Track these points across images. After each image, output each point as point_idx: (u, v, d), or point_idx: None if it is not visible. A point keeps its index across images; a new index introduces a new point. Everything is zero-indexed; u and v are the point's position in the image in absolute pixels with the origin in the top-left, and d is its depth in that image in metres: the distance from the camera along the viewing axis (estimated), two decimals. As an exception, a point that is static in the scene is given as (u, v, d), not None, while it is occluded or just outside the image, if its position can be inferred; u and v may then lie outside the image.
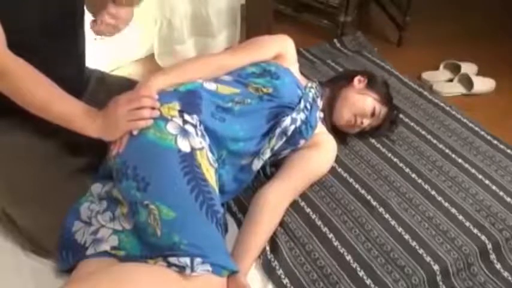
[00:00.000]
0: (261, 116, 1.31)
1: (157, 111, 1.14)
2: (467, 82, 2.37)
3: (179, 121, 1.15)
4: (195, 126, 1.17)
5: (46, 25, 1.16)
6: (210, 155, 1.18)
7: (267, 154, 1.32)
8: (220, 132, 1.22)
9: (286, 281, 1.18)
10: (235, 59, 1.39)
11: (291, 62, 1.49)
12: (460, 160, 1.53)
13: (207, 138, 1.20)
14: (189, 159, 1.11)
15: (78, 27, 1.30)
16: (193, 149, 1.13)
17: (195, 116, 1.19)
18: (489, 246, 1.30)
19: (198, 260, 1.02)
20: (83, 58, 1.37)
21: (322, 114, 1.51)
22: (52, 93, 1.11)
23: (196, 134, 1.16)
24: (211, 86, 1.28)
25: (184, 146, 1.12)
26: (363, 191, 1.40)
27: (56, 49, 1.20)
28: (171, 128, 1.13)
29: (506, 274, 1.29)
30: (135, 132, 1.12)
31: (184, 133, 1.14)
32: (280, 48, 1.47)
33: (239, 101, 1.28)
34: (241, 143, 1.26)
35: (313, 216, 1.32)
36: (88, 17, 1.33)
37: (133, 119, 1.11)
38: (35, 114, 1.11)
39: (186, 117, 1.17)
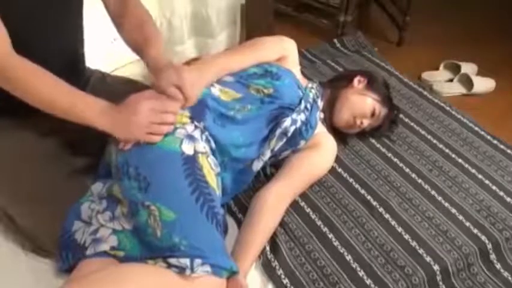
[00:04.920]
0: (261, 120, 1.31)
1: (173, 126, 1.12)
2: (467, 82, 2.37)
3: (190, 128, 1.15)
4: (202, 131, 1.18)
5: (46, 24, 1.15)
6: (212, 158, 1.18)
7: (267, 155, 1.32)
8: (221, 138, 1.22)
9: (286, 281, 1.18)
10: (241, 61, 1.39)
11: (293, 64, 1.50)
12: (460, 160, 1.53)
13: (212, 143, 1.20)
14: (191, 161, 1.11)
15: (76, 26, 1.30)
16: (196, 152, 1.13)
17: (202, 123, 1.19)
18: (489, 246, 1.30)
19: (197, 261, 1.02)
20: (83, 58, 1.37)
21: (322, 115, 1.51)
22: (60, 86, 1.09)
23: (201, 138, 1.16)
24: (215, 91, 1.28)
25: (188, 149, 1.12)
26: (362, 191, 1.40)
27: (53, 49, 1.20)
28: (179, 133, 1.13)
29: (506, 274, 1.29)
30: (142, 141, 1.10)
31: (191, 138, 1.14)
32: (284, 51, 1.47)
33: (240, 108, 1.28)
34: (242, 149, 1.26)
35: (313, 216, 1.32)
36: (90, 16, 1.32)
37: (153, 132, 1.09)
38: (45, 111, 1.09)
39: (196, 123, 1.17)
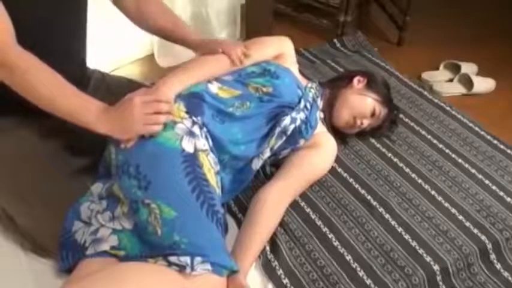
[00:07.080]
0: (261, 118, 1.31)
1: (172, 116, 1.14)
2: (467, 82, 2.37)
3: (188, 123, 1.16)
4: (201, 127, 1.18)
5: (47, 22, 1.15)
6: (212, 156, 1.19)
7: (267, 153, 1.32)
8: (219, 134, 1.22)
9: (286, 281, 1.18)
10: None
11: (291, 63, 1.50)
12: (460, 160, 1.53)
13: (210, 140, 1.20)
14: (191, 159, 1.11)
15: (79, 25, 1.30)
16: (196, 150, 1.13)
17: (199, 118, 1.19)
18: (489, 246, 1.30)
19: (198, 259, 1.02)
20: (83, 58, 1.37)
21: (322, 115, 1.51)
22: (61, 86, 1.10)
23: (201, 135, 1.17)
24: (213, 88, 1.28)
25: (188, 146, 1.12)
26: (363, 191, 1.40)
27: (56, 48, 1.20)
28: (179, 129, 1.13)
29: (506, 274, 1.29)
30: (147, 136, 1.11)
31: (191, 134, 1.14)
32: (280, 49, 1.47)
33: (239, 105, 1.28)
34: (242, 146, 1.26)
35: (313, 216, 1.32)
36: (89, 16, 1.32)
37: (150, 123, 1.10)
38: (43, 109, 1.09)
39: (194, 118, 1.18)
